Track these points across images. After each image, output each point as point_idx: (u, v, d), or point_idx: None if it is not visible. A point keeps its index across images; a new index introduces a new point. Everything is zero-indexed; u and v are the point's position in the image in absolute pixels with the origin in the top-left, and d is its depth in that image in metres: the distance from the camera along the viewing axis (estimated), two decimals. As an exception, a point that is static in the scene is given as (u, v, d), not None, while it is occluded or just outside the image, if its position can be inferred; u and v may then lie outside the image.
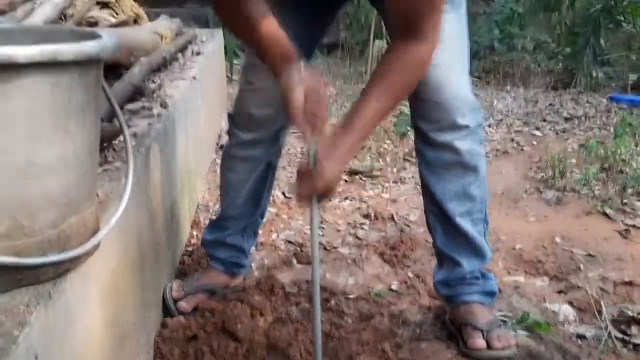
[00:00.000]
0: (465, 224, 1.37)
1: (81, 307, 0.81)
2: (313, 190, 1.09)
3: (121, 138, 1.23)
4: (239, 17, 1.14)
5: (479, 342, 1.26)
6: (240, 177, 1.51)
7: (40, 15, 1.96)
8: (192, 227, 1.99)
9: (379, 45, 4.35)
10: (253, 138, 1.45)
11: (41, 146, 0.65)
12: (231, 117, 1.49)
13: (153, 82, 1.87)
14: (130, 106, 1.53)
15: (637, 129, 2.93)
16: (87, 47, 0.67)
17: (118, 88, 1.53)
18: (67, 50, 0.63)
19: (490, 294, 1.43)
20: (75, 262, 0.75)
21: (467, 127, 1.30)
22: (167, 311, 1.47)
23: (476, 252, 1.40)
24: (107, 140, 1.21)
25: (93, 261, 0.83)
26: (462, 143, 1.31)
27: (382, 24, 1.27)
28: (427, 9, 1.06)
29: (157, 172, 1.41)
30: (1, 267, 0.67)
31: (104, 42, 0.70)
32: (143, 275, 1.23)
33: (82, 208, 0.75)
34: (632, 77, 4.13)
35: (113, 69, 1.81)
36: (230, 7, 1.14)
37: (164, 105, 1.60)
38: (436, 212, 1.40)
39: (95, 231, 0.79)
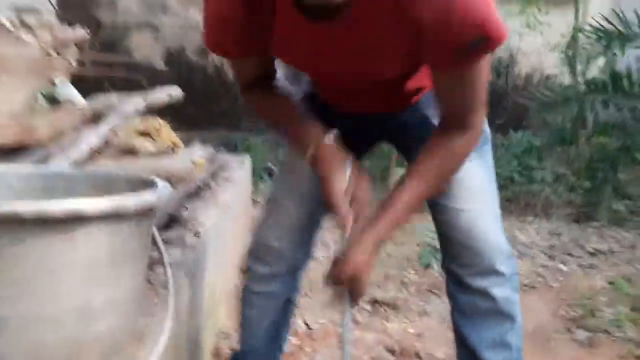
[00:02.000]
0: None
1: None
2: (340, 277, 1.07)
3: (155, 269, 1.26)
4: (267, 103, 1.22)
5: None
6: (258, 314, 1.49)
7: (86, 144, 2.09)
8: (213, 355, 1.94)
9: (399, 173, 4.47)
10: (270, 272, 1.44)
11: (97, 290, 0.68)
12: (249, 252, 1.48)
13: (186, 208, 1.93)
14: (165, 235, 1.57)
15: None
16: (147, 198, 0.72)
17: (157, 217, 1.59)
18: (130, 202, 0.68)
19: None
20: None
21: (502, 274, 1.28)
22: None
23: None
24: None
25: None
26: (499, 290, 1.29)
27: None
28: (475, 105, 1.08)
29: (185, 304, 1.42)
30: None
31: (160, 193, 0.76)
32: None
33: (125, 347, 0.76)
34: (653, 211, 4.14)
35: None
36: (260, 94, 1.22)
37: (197, 234, 1.65)
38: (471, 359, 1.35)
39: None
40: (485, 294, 1.29)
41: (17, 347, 0.63)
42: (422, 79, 1.20)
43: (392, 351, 2.05)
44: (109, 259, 0.69)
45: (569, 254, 3.31)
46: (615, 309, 2.35)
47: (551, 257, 3.26)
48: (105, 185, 0.80)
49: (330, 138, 1.15)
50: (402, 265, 3.03)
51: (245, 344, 1.53)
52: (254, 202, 4.45)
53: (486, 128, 1.35)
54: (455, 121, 1.11)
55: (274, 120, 1.28)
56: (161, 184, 0.80)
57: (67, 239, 0.64)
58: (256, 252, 1.46)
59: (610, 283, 2.69)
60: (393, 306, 2.47)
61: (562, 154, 5.55)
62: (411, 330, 2.24)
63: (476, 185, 1.29)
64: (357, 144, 1.36)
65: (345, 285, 1.08)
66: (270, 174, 4.71)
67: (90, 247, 0.66)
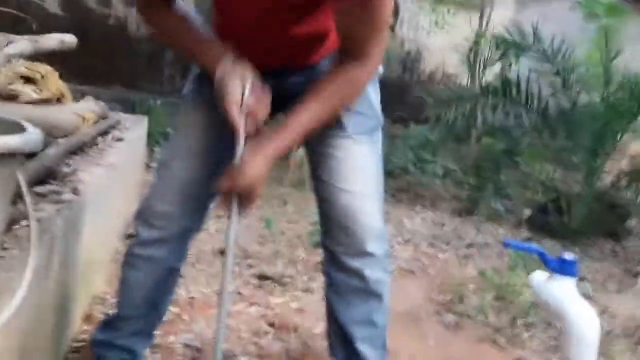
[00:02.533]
0: (365, 349, 1.39)
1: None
2: (234, 186, 1.12)
3: (23, 223, 1.17)
4: (169, 20, 1.22)
5: None
6: (139, 278, 1.45)
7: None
8: (84, 320, 1.85)
9: (302, 152, 4.50)
10: (158, 237, 1.41)
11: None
12: (137, 215, 1.45)
13: (68, 165, 1.81)
14: (39, 189, 1.46)
15: (528, 262, 3.16)
16: (7, 141, 0.66)
17: (29, 168, 1.47)
18: (-11, 142, 0.62)
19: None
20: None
21: (374, 256, 1.34)
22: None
23: None
24: (7, 225, 1.14)
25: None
26: (370, 271, 1.35)
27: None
28: (369, 31, 1.14)
29: (56, 262, 1.33)
30: None
31: (28, 137, 0.70)
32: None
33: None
34: (527, 212, 4.52)
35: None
36: (159, 13, 1.22)
37: (76, 191, 1.55)
38: (338, 335, 1.42)
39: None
40: (357, 273, 1.34)
41: None
42: (316, 24, 1.22)
43: (272, 324, 2.08)
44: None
45: (448, 244, 3.53)
46: (481, 297, 2.54)
47: (432, 245, 3.46)
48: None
49: (230, 55, 1.17)
50: (293, 244, 3.07)
51: (122, 309, 1.48)
52: (148, 167, 4.28)
53: (379, 112, 1.39)
54: (354, 51, 1.16)
55: (175, 40, 1.28)
56: (31, 129, 0.74)
57: None
58: (144, 216, 1.42)
59: (481, 273, 2.91)
60: (279, 282, 2.50)
61: (454, 151, 5.88)
62: (293, 306, 2.28)
63: (362, 168, 1.34)
64: None
65: (238, 193, 1.14)
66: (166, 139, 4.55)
67: None
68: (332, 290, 1.40)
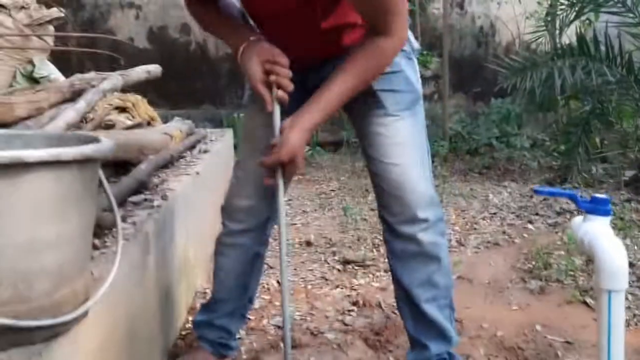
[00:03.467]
0: (430, 309, 1.47)
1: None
2: (277, 158, 1.27)
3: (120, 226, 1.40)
4: (210, 14, 1.40)
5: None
6: (229, 263, 1.64)
7: (63, 120, 2.21)
8: (188, 312, 2.10)
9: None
10: (241, 228, 1.59)
11: (42, 227, 0.82)
12: (222, 209, 1.65)
13: (158, 177, 2.07)
14: (133, 199, 1.71)
15: (625, 224, 3.03)
16: (85, 150, 0.85)
17: (124, 182, 1.73)
18: (68, 152, 0.81)
19: (458, 376, 1.51)
20: (64, 327, 0.89)
21: (427, 220, 1.43)
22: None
23: (442, 335, 1.49)
24: (107, 228, 1.38)
25: (82, 329, 0.96)
26: (424, 235, 1.43)
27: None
28: (388, 13, 1.23)
29: (153, 258, 1.56)
30: (3, 330, 0.81)
31: (100, 146, 0.89)
32: (132, 353, 1.34)
33: (74, 281, 0.90)
34: (628, 173, 4.27)
35: (123, 166, 2.02)
36: (200, 5, 1.40)
37: (164, 197, 1.78)
38: (404, 298, 1.51)
39: (85, 302, 0.93)
40: (412, 239, 1.44)
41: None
42: (343, 16, 1.33)
43: (355, 303, 2.21)
44: (53, 201, 0.82)
45: (537, 214, 3.46)
46: (569, 262, 2.50)
47: (519, 217, 3.41)
48: (59, 143, 0.93)
49: (255, 35, 1.33)
50: (375, 229, 3.18)
51: (217, 292, 1.68)
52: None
53: (418, 86, 1.48)
54: (376, 29, 1.25)
55: (215, 30, 1.45)
56: (105, 140, 0.93)
57: (12, 183, 0.77)
58: (228, 210, 1.61)
59: (570, 239, 2.84)
60: (362, 265, 2.63)
61: (540, 120, 5.67)
62: (376, 285, 2.40)
63: (406, 142, 1.43)
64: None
65: (281, 166, 1.30)
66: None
67: (34, 190, 0.79)
68: (394, 257, 1.50)
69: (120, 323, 1.24)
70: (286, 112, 1.33)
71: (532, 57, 4.21)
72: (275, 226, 1.53)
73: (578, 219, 1.10)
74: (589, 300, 2.17)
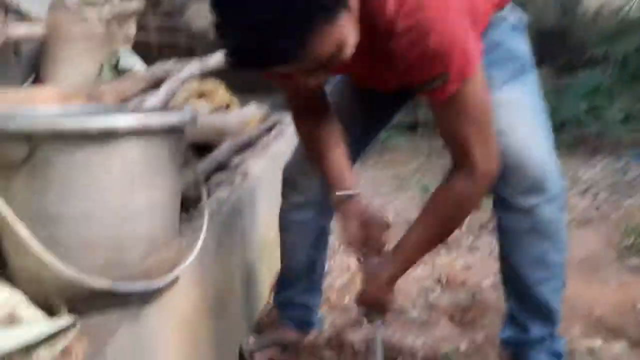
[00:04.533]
0: (540, 291, 1.35)
1: (162, 334, 0.96)
2: (364, 304, 1.28)
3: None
4: (312, 138, 1.32)
5: (540, 398, 1.25)
6: (296, 240, 1.60)
7: (147, 107, 2.30)
8: (270, 292, 2.13)
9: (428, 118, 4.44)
10: (304, 201, 1.53)
11: (133, 195, 0.84)
12: (284, 180, 1.58)
13: (237, 158, 2.10)
14: (214, 178, 1.74)
15: None
16: (171, 117, 0.86)
17: (205, 163, 1.77)
18: (154, 119, 0.83)
19: (557, 354, 1.41)
20: (157, 293, 0.91)
21: (548, 192, 1.26)
22: (243, 364, 1.59)
23: (548, 318, 1.39)
24: (193, 204, 1.41)
25: (172, 297, 0.99)
26: (542, 209, 1.27)
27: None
28: (466, 130, 1.08)
29: (236, 235, 1.59)
30: (99, 293, 0.84)
31: (184, 115, 0.90)
32: (219, 326, 1.37)
33: (164, 248, 0.92)
34: None
35: (204, 149, 2.07)
36: (307, 127, 1.32)
37: (244, 177, 1.81)
38: (512, 277, 1.39)
39: (175, 269, 0.96)
40: (528, 212, 1.28)
41: (71, 239, 0.80)
42: None
43: (439, 281, 2.15)
44: (142, 168, 0.85)
45: (632, 189, 3.22)
46: (673, 237, 2.31)
47: (613, 193, 3.19)
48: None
49: (355, 189, 1.27)
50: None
51: (287, 270, 1.67)
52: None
53: (524, 55, 1.34)
54: (457, 159, 1.13)
55: (312, 157, 1.36)
56: (187, 109, 0.94)
57: (105, 151, 0.79)
58: (290, 181, 1.56)
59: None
60: (445, 244, 2.55)
61: (634, 91, 5.27)
62: (459, 263, 2.33)
63: (522, 111, 1.28)
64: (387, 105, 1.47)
65: (370, 307, 1.30)
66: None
67: (125, 158, 0.82)
68: (504, 234, 1.36)
69: (207, 295, 1.26)
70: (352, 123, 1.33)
71: (626, 22, 3.90)
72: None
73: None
74: (699, 277, 2.00)
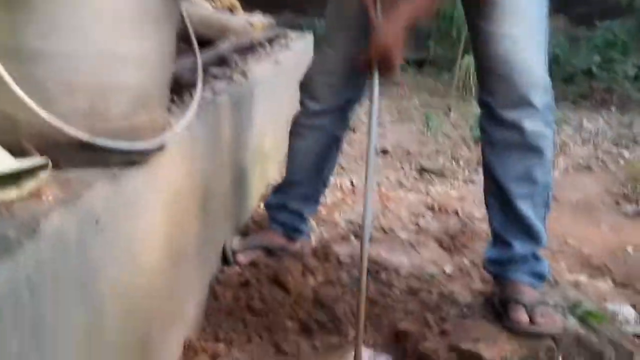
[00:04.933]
0: (524, 206, 1.34)
1: (144, 202, 0.91)
2: (373, 51, 1.20)
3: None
4: None
5: (522, 316, 1.24)
6: (307, 145, 1.57)
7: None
8: (261, 201, 2.09)
9: (467, 61, 4.33)
10: (321, 108, 1.50)
11: (122, 42, 0.77)
12: (301, 86, 1.55)
13: (238, 56, 2.01)
14: (214, 71, 1.66)
15: None
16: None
17: (206, 54, 1.68)
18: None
19: (540, 275, 1.39)
20: (141, 156, 0.85)
21: (535, 106, 1.27)
22: (225, 262, 1.57)
23: (532, 236, 1.37)
24: (187, 87, 1.33)
25: (159, 165, 0.93)
26: (530, 122, 1.27)
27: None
28: None
29: (229, 131, 1.52)
30: (79, 145, 0.78)
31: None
32: (206, 216, 1.33)
33: (152, 109, 0.86)
34: None
35: (206, 44, 1.97)
36: None
37: (244, 75, 1.73)
38: (495, 192, 1.38)
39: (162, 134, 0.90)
40: (515, 126, 1.28)
41: (51, 81, 0.74)
42: None
43: (431, 208, 2.12)
44: (132, 16, 0.77)
45: (636, 142, 3.17)
46: (672, 189, 2.27)
47: (616, 144, 3.14)
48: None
49: None
50: (456, 144, 3.04)
51: (291, 175, 1.63)
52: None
53: None
54: None
55: None
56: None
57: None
58: (308, 87, 1.52)
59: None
60: (440, 174, 2.52)
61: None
62: (454, 194, 2.29)
63: (522, 11, 1.25)
64: None
65: (377, 58, 1.21)
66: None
67: (116, 3, 0.74)
68: (489, 147, 1.36)
69: (197, 177, 1.21)
70: None
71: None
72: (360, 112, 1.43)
73: None
74: (693, 227, 1.98)
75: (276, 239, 1.64)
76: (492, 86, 1.30)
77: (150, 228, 0.95)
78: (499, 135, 1.32)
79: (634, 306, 1.50)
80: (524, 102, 1.27)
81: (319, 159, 1.59)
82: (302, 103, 1.56)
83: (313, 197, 1.67)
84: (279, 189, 1.68)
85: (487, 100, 1.33)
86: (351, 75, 1.44)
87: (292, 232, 1.65)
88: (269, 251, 1.62)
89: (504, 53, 1.25)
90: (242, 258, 1.56)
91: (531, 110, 1.27)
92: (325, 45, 1.49)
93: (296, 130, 1.59)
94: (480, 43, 1.31)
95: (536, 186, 1.34)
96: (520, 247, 1.37)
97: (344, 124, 1.59)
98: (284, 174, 1.68)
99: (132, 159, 0.84)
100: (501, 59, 1.26)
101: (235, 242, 1.60)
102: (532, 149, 1.30)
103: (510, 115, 1.28)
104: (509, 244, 1.38)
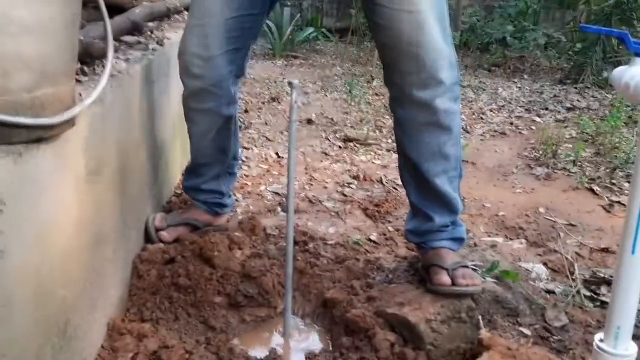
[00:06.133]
0: (439, 182, 1.35)
1: (53, 181, 0.85)
2: None
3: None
4: None
5: (444, 278, 1.28)
6: (202, 129, 1.49)
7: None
8: (182, 174, 2.03)
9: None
10: (202, 86, 1.39)
11: (19, 4, 0.70)
12: (179, 58, 1.42)
13: (152, 24, 1.91)
14: (126, 38, 1.57)
15: (631, 118, 2.94)
16: None
17: (117, 21, 1.58)
18: None
19: (459, 240, 1.43)
20: (48, 131, 0.79)
21: (444, 83, 1.25)
22: (148, 240, 1.51)
23: (449, 207, 1.39)
24: (99, 57, 1.25)
25: (69, 142, 0.87)
26: (439, 101, 1.26)
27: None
28: None
29: (145, 103, 1.45)
30: (-26, 122, 0.71)
31: None
32: (124, 193, 1.27)
33: (58, 82, 0.79)
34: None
35: (117, 9, 1.85)
36: None
37: (160, 43, 1.64)
38: (411, 170, 1.38)
39: (71, 109, 0.83)
40: (424, 105, 1.27)
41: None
42: None
43: (356, 177, 2.14)
44: (29, -24, 0.70)
45: (546, 109, 3.35)
46: (577, 152, 2.42)
47: (528, 110, 3.30)
48: None
49: None
50: (379, 112, 3.08)
51: (196, 159, 1.56)
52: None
53: None
54: None
55: None
56: None
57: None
58: (185, 63, 1.39)
59: (580, 133, 2.76)
60: (364, 143, 2.54)
61: (558, 18, 5.40)
62: (377, 162, 2.33)
63: None
64: None
65: None
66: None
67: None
68: (401, 129, 1.35)
69: (110, 154, 1.15)
70: None
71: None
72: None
73: (620, 67, 0.98)
74: (596, 187, 2.12)
75: (200, 215, 1.60)
76: (400, 65, 1.26)
77: (62, 209, 0.89)
78: (409, 115, 1.31)
79: (545, 264, 1.60)
80: (434, 81, 1.25)
81: (218, 140, 1.52)
82: (183, 84, 1.44)
83: (226, 172, 1.62)
84: (191, 172, 1.61)
85: (395, 80, 1.29)
86: (230, 46, 1.36)
87: (215, 207, 1.62)
88: (195, 227, 1.58)
89: (410, 29, 1.21)
90: (165, 235, 1.51)
91: (441, 89, 1.26)
92: (198, 13, 1.36)
93: (188, 115, 1.49)
94: (379, 18, 1.26)
95: (449, 161, 1.35)
96: (439, 219, 1.39)
97: (230, 100, 1.48)
98: (190, 158, 1.59)
99: (38, 136, 0.78)
100: (405, 35, 1.22)
101: (158, 218, 1.55)
102: (442, 127, 1.30)
103: (421, 95, 1.26)
104: (428, 217, 1.39)
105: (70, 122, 0.83)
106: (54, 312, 0.88)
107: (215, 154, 1.55)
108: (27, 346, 0.80)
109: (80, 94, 1.01)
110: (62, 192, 0.89)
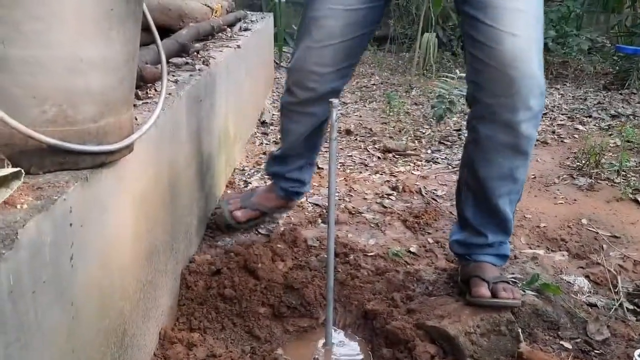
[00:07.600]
0: (502, 203, 1.35)
1: (114, 202, 0.92)
2: None
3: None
4: None
5: (484, 291, 1.30)
6: (299, 128, 1.59)
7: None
8: (227, 186, 2.11)
9: (427, 38, 4.38)
10: (312, 97, 1.47)
11: (87, 45, 0.77)
12: (290, 73, 1.49)
13: (199, 44, 1.99)
14: (175, 60, 1.65)
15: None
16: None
17: (166, 44, 1.66)
18: (111, -38, 0.74)
19: (503, 256, 1.45)
20: (110, 157, 0.86)
21: (532, 109, 1.23)
22: (217, 221, 1.72)
23: (504, 228, 1.41)
24: (151, 81, 1.33)
25: (127, 166, 0.94)
26: (525, 126, 1.24)
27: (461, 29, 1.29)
28: None
29: (194, 120, 1.52)
30: (49, 150, 0.78)
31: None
32: (175, 208, 1.34)
33: (119, 111, 0.86)
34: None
35: (164, 32, 1.95)
36: None
37: (206, 62, 1.72)
38: (474, 188, 1.38)
39: (130, 135, 0.90)
40: (510, 128, 1.25)
41: (17, 85, 0.73)
42: None
43: (395, 188, 2.17)
44: (96, 17, 0.77)
45: (590, 116, 3.29)
46: (623, 161, 2.38)
47: (571, 118, 3.26)
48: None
49: None
50: (418, 122, 3.09)
51: (286, 150, 1.67)
52: (278, 65, 4.47)
53: None
54: None
55: None
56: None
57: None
58: (296, 76, 1.47)
59: (625, 141, 2.71)
60: (403, 154, 2.57)
61: (603, 21, 5.28)
62: (417, 173, 2.35)
63: (528, 10, 1.20)
64: None
65: None
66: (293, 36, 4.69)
67: (78, 5, 0.74)
68: (477, 146, 1.33)
69: (163, 173, 1.22)
70: None
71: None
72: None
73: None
74: (641, 198, 2.09)
75: (272, 201, 1.73)
76: (491, 83, 1.23)
77: (121, 227, 0.97)
78: (491, 134, 1.29)
79: (587, 277, 1.59)
80: (524, 107, 1.22)
81: (312, 138, 1.63)
82: (291, 91, 1.51)
83: (309, 164, 1.72)
84: (277, 158, 1.71)
85: (481, 97, 1.27)
86: (345, 62, 1.43)
87: (294, 195, 1.74)
88: (263, 213, 1.73)
89: (509, 50, 1.18)
90: (239, 216, 1.69)
91: (529, 115, 1.24)
92: (314, 31, 1.40)
93: (288, 114, 1.59)
94: (477, 34, 1.24)
95: (516, 185, 1.35)
96: (492, 237, 1.41)
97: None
98: (280, 146, 1.70)
99: (101, 161, 0.85)
100: (506, 57, 1.19)
101: (233, 201, 1.73)
102: (520, 151, 1.29)
103: (510, 118, 1.24)
104: (482, 234, 1.41)
105: (129, 148, 0.90)
106: (113, 322, 0.95)
107: (306, 148, 1.66)
108: (91, 356, 0.87)
109: (136, 118, 1.09)
110: (121, 212, 0.96)
